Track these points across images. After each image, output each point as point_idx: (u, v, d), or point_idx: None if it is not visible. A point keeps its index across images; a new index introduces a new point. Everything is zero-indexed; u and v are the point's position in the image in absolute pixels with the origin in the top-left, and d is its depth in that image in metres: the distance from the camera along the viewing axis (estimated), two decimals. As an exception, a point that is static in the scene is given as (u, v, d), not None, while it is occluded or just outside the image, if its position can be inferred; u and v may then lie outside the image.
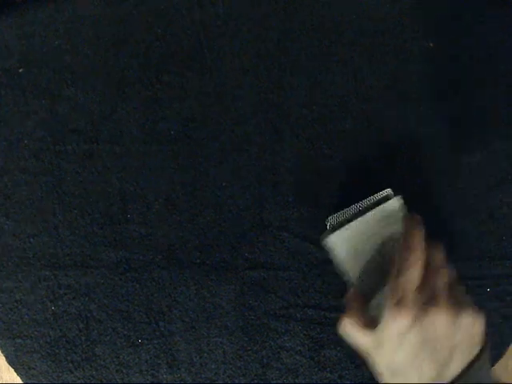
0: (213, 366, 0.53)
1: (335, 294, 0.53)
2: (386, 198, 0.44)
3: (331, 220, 0.45)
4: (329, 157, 0.51)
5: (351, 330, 0.40)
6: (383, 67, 0.50)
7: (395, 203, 0.43)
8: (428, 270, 0.38)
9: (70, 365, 0.54)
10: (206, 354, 0.53)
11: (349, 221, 0.43)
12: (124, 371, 0.54)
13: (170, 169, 0.51)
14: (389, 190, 0.45)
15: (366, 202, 0.44)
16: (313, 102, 0.51)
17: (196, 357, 0.53)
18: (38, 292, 0.52)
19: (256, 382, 0.54)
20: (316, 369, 0.54)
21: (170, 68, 0.50)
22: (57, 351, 0.53)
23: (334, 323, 0.53)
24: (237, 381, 0.54)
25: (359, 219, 0.43)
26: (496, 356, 0.54)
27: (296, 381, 0.54)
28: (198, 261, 0.52)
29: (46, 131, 0.51)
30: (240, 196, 0.52)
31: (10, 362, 0.54)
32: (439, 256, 0.39)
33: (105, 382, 0.54)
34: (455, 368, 0.35)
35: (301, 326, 0.52)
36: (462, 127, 0.51)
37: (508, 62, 0.51)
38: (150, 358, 0.54)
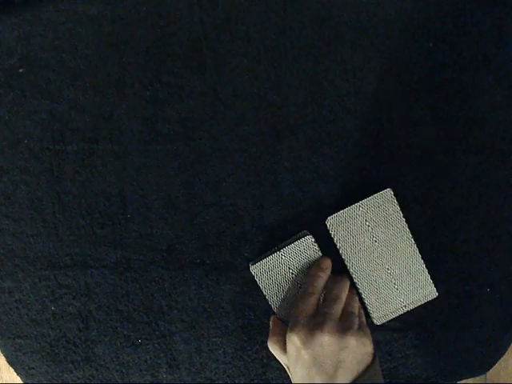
0: (213, 366, 0.53)
1: (335, 294, 0.52)
2: (302, 236, 0.50)
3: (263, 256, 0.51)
4: (329, 157, 0.51)
5: (274, 351, 0.48)
6: (383, 67, 0.50)
7: (307, 240, 0.50)
8: (322, 303, 0.47)
9: (70, 365, 0.54)
10: (205, 354, 0.53)
11: (270, 254, 0.50)
12: (124, 371, 0.54)
13: (170, 169, 0.51)
14: (305, 232, 0.51)
15: (287, 242, 0.51)
16: (313, 102, 0.51)
17: (196, 357, 0.54)
18: (37, 292, 0.52)
19: (256, 381, 0.54)
20: (316, 369, 0.54)
21: (170, 68, 0.50)
22: (57, 351, 0.53)
23: (333, 323, 0.53)
24: (237, 381, 0.54)
25: (276, 253, 0.50)
26: (496, 356, 0.55)
27: (296, 381, 0.54)
28: (198, 261, 0.52)
29: (46, 131, 0.51)
30: (240, 196, 0.52)
31: (10, 362, 0.54)
32: (338, 286, 0.48)
33: (105, 381, 0.54)
34: (343, 379, 0.43)
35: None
36: (462, 127, 0.51)
37: (508, 61, 0.51)
38: (150, 357, 0.54)
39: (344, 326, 0.45)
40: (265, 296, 0.51)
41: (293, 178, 0.52)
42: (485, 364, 0.54)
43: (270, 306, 0.51)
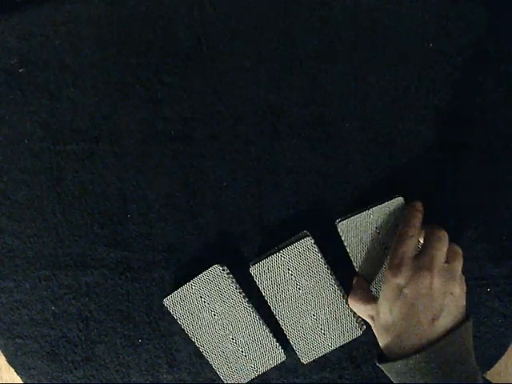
0: (213, 366, 0.53)
1: (335, 294, 0.53)
2: (303, 237, 0.50)
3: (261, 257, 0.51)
4: (328, 157, 0.51)
5: (357, 303, 0.48)
6: (383, 67, 0.50)
7: (307, 242, 0.50)
8: (426, 244, 0.45)
9: (70, 365, 0.54)
10: (206, 354, 0.53)
11: (270, 255, 0.50)
12: (124, 371, 0.54)
13: (170, 169, 0.51)
14: (305, 233, 0.51)
15: (287, 242, 0.51)
16: (313, 102, 0.51)
17: (196, 357, 0.53)
18: (37, 292, 0.52)
19: (256, 381, 0.54)
20: (316, 369, 0.54)
21: (170, 68, 0.50)
22: (57, 351, 0.53)
23: (333, 323, 0.53)
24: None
25: (276, 254, 0.50)
26: (496, 356, 0.54)
27: (296, 381, 0.54)
28: (198, 260, 0.52)
29: (46, 131, 0.51)
30: (240, 196, 0.52)
31: (10, 362, 0.54)
32: (439, 232, 0.45)
33: (105, 381, 0.54)
34: (444, 324, 0.41)
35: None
36: (462, 127, 0.51)
37: (508, 61, 0.51)
38: (150, 357, 0.54)
39: (451, 271, 0.43)
40: (264, 297, 0.51)
41: (293, 178, 0.52)
42: (485, 364, 0.54)
43: (264, 306, 0.51)
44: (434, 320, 0.41)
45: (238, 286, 0.51)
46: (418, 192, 0.52)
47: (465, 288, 0.44)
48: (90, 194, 0.51)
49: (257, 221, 0.52)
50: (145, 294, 0.53)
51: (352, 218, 0.49)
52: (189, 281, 0.51)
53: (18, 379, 0.54)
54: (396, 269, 0.43)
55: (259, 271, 0.50)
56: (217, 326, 0.51)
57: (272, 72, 0.50)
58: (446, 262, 0.44)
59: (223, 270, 0.50)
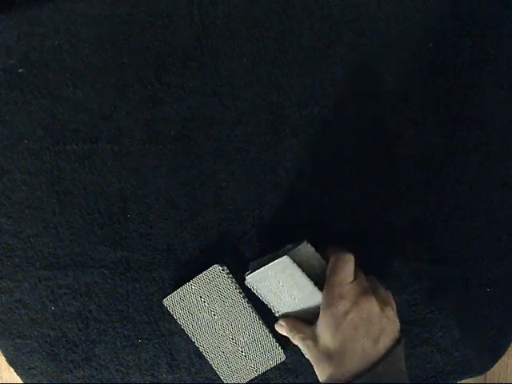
0: (213, 366, 0.53)
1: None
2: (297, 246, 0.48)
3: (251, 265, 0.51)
4: (329, 157, 0.51)
5: (293, 329, 0.47)
6: (383, 67, 0.50)
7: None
8: (355, 276, 0.46)
9: (70, 365, 0.54)
10: (205, 354, 0.53)
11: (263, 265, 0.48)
12: (124, 371, 0.54)
13: (170, 169, 0.51)
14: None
15: (281, 252, 0.50)
16: (313, 102, 0.51)
17: (196, 357, 0.54)
18: (37, 292, 0.52)
19: (256, 382, 0.54)
20: (316, 369, 0.54)
21: (170, 68, 0.50)
22: (57, 351, 0.53)
23: (333, 323, 0.53)
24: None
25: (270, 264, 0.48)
26: (496, 356, 0.55)
27: (296, 381, 0.54)
28: (198, 260, 0.52)
29: (46, 131, 0.51)
30: (240, 196, 0.52)
31: (10, 362, 0.54)
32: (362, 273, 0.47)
33: (105, 381, 0.54)
34: (383, 346, 0.43)
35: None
36: (462, 127, 0.51)
37: (508, 61, 0.51)
38: (150, 357, 0.54)
39: (385, 297, 0.45)
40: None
41: (293, 178, 0.52)
42: (485, 364, 0.54)
43: (264, 305, 0.51)
44: (375, 343, 0.43)
45: (237, 285, 0.51)
46: (417, 192, 0.52)
47: (395, 309, 0.46)
48: (90, 193, 0.51)
49: (257, 221, 0.52)
50: (145, 293, 0.53)
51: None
52: (188, 281, 0.51)
53: (18, 379, 0.54)
54: (338, 296, 0.44)
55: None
56: (216, 326, 0.51)
57: (272, 72, 0.50)
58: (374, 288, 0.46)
59: (223, 270, 0.50)
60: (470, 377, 0.56)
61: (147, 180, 0.51)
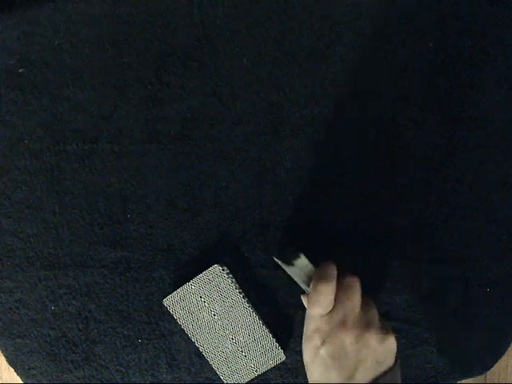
0: (213, 366, 0.53)
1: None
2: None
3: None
4: (329, 157, 0.51)
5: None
6: (383, 67, 0.50)
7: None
8: (338, 295, 0.43)
9: (70, 364, 0.54)
10: (205, 354, 0.53)
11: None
12: (124, 371, 0.54)
13: (170, 169, 0.51)
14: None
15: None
16: (313, 102, 0.51)
17: (196, 357, 0.54)
18: (37, 292, 0.52)
19: (256, 381, 0.54)
20: (316, 369, 0.54)
21: (170, 68, 0.50)
22: (56, 351, 0.53)
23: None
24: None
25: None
26: (496, 356, 0.55)
27: (296, 381, 0.54)
28: (198, 260, 0.52)
29: (46, 131, 0.51)
30: (240, 196, 0.52)
31: (10, 362, 0.54)
32: (350, 280, 0.44)
33: (105, 381, 0.54)
34: (361, 379, 0.41)
35: (301, 326, 0.52)
36: (461, 127, 0.51)
37: (508, 61, 0.51)
38: (150, 357, 0.54)
39: (366, 321, 0.42)
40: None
41: (293, 178, 0.52)
42: (485, 364, 0.54)
43: (264, 306, 0.51)
44: (349, 378, 0.41)
45: (237, 285, 0.51)
46: (417, 192, 0.52)
47: (387, 335, 0.42)
48: (90, 193, 0.51)
49: (257, 221, 0.52)
50: (145, 293, 0.53)
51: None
52: (188, 281, 0.51)
53: (18, 379, 0.54)
54: (312, 330, 0.42)
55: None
56: (216, 326, 0.51)
57: (272, 72, 0.50)
58: (362, 309, 0.43)
59: (223, 269, 0.50)
60: (470, 377, 0.56)
61: (147, 180, 0.51)
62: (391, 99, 0.51)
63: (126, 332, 0.53)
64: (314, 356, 0.42)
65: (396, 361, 0.42)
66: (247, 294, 0.52)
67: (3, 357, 0.54)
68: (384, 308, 0.53)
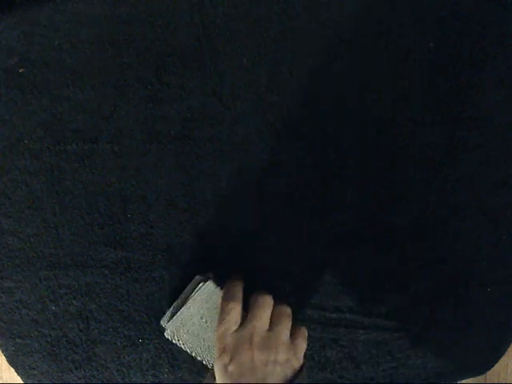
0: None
1: (335, 295, 0.53)
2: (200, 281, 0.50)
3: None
4: (329, 157, 0.51)
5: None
6: (383, 67, 0.50)
7: (209, 285, 0.49)
8: (249, 313, 0.45)
9: (71, 365, 0.54)
10: (206, 354, 0.53)
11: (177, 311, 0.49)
12: (125, 371, 0.54)
13: (170, 169, 0.51)
14: (198, 278, 0.50)
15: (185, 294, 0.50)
16: (313, 102, 0.51)
17: (196, 357, 0.54)
18: (38, 292, 0.52)
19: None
20: (316, 369, 0.54)
21: (170, 68, 0.50)
22: (57, 351, 0.53)
23: (334, 323, 0.53)
24: (237, 380, 0.54)
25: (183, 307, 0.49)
26: (496, 356, 0.55)
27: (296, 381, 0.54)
28: (198, 260, 0.52)
29: (46, 131, 0.51)
30: (240, 196, 0.52)
31: (10, 362, 0.54)
32: (261, 298, 0.46)
33: (105, 381, 0.54)
34: None
35: (301, 326, 0.52)
36: (461, 127, 0.51)
37: (508, 61, 0.51)
38: (151, 357, 0.54)
39: (274, 338, 0.44)
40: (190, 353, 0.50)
41: (293, 178, 0.52)
42: (485, 364, 0.54)
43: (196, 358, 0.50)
44: None
45: None
46: (417, 192, 0.52)
47: (296, 348, 0.44)
48: (90, 193, 0.51)
49: (257, 221, 0.52)
50: (145, 293, 0.53)
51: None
52: (187, 283, 0.51)
53: (18, 379, 0.54)
54: (219, 349, 0.44)
55: (175, 327, 0.49)
56: None
57: (272, 72, 0.50)
58: (270, 326, 0.45)
59: (216, 286, 0.49)
60: (470, 377, 0.56)
61: (147, 180, 0.51)
62: (391, 99, 0.51)
63: (126, 332, 0.53)
64: (224, 374, 0.43)
65: (303, 365, 0.44)
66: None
67: (3, 357, 0.54)
68: (384, 308, 0.53)
